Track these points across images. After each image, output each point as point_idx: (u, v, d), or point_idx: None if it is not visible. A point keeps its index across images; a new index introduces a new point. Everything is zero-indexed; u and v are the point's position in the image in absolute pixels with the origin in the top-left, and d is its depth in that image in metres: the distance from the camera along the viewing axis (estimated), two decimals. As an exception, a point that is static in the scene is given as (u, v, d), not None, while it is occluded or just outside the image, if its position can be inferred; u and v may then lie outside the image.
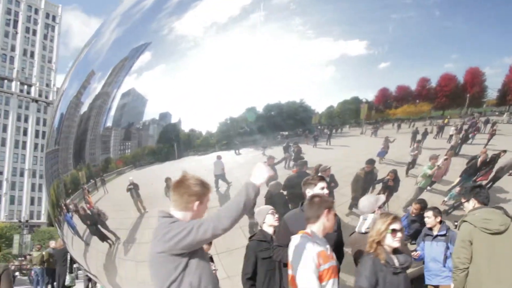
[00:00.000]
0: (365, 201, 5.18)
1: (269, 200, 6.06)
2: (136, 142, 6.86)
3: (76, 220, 7.67)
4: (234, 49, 6.78)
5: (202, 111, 6.50)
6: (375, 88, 6.82)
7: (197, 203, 3.28)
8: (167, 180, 6.23)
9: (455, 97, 7.52)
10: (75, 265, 16.25)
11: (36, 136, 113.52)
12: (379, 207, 5.17)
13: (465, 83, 7.47)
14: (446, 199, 7.13)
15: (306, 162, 6.41)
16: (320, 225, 4.06)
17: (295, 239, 4.03)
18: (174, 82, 6.75)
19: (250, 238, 5.53)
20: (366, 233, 4.71)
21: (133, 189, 6.64)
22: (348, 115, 6.77)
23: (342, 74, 6.80)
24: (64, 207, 7.91)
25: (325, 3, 7.19)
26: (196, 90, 6.63)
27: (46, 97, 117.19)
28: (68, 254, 14.54)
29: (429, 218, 6.58)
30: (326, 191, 4.78)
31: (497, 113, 7.73)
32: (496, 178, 7.45)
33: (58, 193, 8.04)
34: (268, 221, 5.45)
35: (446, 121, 7.22)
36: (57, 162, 7.98)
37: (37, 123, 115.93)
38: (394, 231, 4.16)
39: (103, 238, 7.23)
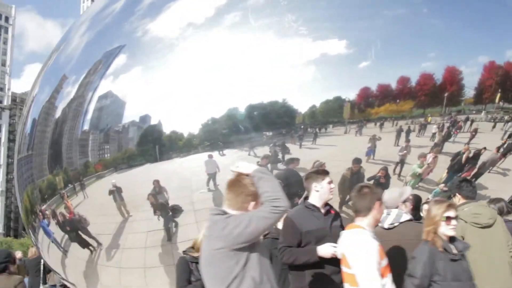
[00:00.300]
0: (388, 195, 4.84)
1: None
2: (116, 145, 6.73)
3: (53, 227, 7.46)
4: (212, 50, 6.68)
5: (183, 112, 6.40)
6: (356, 87, 6.81)
7: (252, 203, 3.24)
8: (155, 182, 6.19)
9: (434, 95, 7.57)
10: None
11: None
12: (404, 201, 5.00)
13: (444, 81, 7.51)
14: (430, 196, 7.14)
15: (298, 159, 6.36)
16: (371, 218, 3.88)
17: (350, 235, 3.83)
18: (152, 84, 6.66)
19: (264, 236, 5.31)
20: (389, 228, 4.59)
21: (116, 192, 6.48)
22: (331, 114, 6.76)
23: (322, 73, 6.76)
24: (39, 213, 7.70)
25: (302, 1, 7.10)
26: (176, 91, 6.53)
27: (0, 102, 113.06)
28: (42, 263, 14.10)
29: None
30: (333, 185, 4.68)
31: (474, 112, 7.77)
32: (478, 174, 7.55)
33: (32, 199, 7.84)
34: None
35: (429, 119, 7.23)
36: (31, 168, 7.77)
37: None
38: (448, 218, 4.00)
39: (84, 244, 7.02)
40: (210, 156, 6.30)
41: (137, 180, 6.60)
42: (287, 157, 6.42)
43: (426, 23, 7.44)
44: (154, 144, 6.40)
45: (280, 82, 6.63)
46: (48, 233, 7.63)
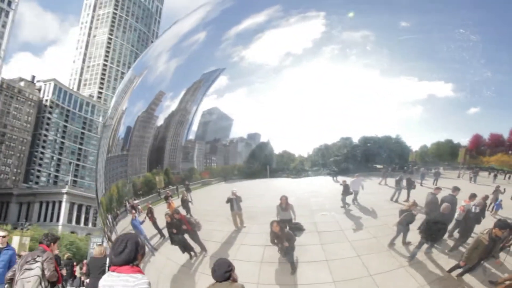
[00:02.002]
0: None
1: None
2: (223, 158, 7.08)
3: (148, 225, 7.77)
4: (319, 79, 6.94)
5: (294, 134, 6.62)
6: (468, 133, 6.68)
7: None
8: (283, 198, 6.31)
9: None
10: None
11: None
12: None
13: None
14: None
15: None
16: None
17: None
18: (260, 105, 7.05)
19: None
20: None
21: (235, 200, 6.64)
22: (443, 157, 6.68)
23: (431, 114, 6.76)
24: (130, 208, 8.17)
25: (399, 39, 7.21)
26: (286, 114, 6.79)
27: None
28: (107, 265, 13.89)
29: None
30: None
31: None
32: None
33: (123, 191, 8.43)
34: None
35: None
36: (125, 165, 8.37)
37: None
38: None
39: (187, 248, 7.17)
40: (358, 176, 6.45)
41: (254, 193, 6.80)
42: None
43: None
44: (265, 162, 6.65)
45: (391, 118, 6.71)
46: (139, 230, 7.89)
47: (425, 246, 6.44)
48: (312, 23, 7.42)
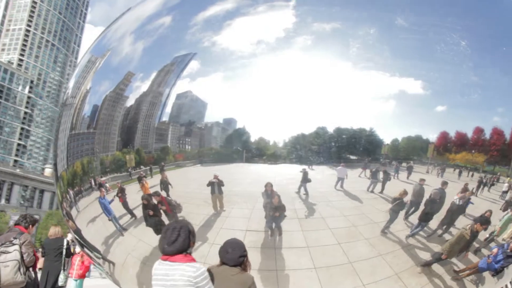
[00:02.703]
0: None
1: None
2: (198, 141, 7.15)
3: (117, 204, 7.75)
4: (294, 69, 7.10)
5: (271, 122, 6.75)
6: (435, 130, 6.99)
7: None
8: (268, 185, 6.43)
9: (504, 154, 7.67)
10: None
11: None
12: None
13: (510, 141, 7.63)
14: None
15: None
16: None
17: None
18: (234, 91, 7.12)
19: None
20: None
21: (217, 184, 6.63)
22: (413, 152, 6.98)
23: (402, 110, 7.00)
24: (96, 184, 8.19)
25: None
26: (263, 102, 6.89)
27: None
28: (65, 246, 13.42)
29: None
30: None
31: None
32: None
33: (88, 168, 8.46)
34: None
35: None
36: (92, 143, 8.40)
37: None
38: None
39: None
40: (343, 165, 6.70)
41: (231, 177, 6.80)
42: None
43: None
44: (241, 147, 6.75)
45: (365, 111, 6.89)
46: (108, 209, 7.84)
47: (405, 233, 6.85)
48: (282, 13, 7.56)
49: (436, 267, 7.07)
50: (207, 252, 6.69)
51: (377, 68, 7.10)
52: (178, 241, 4.51)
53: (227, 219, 6.65)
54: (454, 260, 7.15)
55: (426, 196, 6.81)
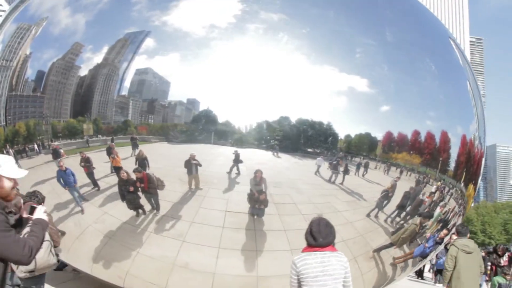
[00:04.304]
0: None
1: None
2: (161, 117, 7.20)
3: (80, 175, 7.64)
4: (251, 56, 7.28)
5: (236, 107, 6.94)
6: (382, 129, 7.56)
7: None
8: (258, 172, 6.73)
9: (434, 157, 8.41)
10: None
11: None
12: None
13: (440, 145, 8.40)
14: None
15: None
16: None
17: None
18: (194, 72, 7.16)
19: None
20: None
21: (195, 165, 6.71)
22: (363, 148, 7.51)
23: (353, 106, 7.48)
24: (42, 146, 8.20)
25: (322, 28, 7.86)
26: (226, 86, 7.03)
27: None
28: None
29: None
30: None
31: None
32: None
33: (35, 130, 8.33)
34: None
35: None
36: (40, 107, 8.31)
37: None
38: None
39: (136, 206, 7.07)
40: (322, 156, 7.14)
41: (201, 157, 6.83)
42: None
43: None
44: (209, 128, 6.88)
45: (321, 104, 7.25)
46: (68, 182, 7.71)
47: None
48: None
49: (383, 253, 7.87)
50: (186, 231, 6.85)
51: (328, 63, 7.48)
52: (332, 235, 4.84)
53: (204, 198, 6.79)
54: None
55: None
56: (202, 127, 6.88)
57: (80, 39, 8.08)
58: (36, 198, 6.30)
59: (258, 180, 6.70)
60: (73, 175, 7.60)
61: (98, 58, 7.65)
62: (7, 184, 3.73)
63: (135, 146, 7.08)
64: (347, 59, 7.67)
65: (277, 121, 6.86)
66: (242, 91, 6.91)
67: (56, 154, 7.83)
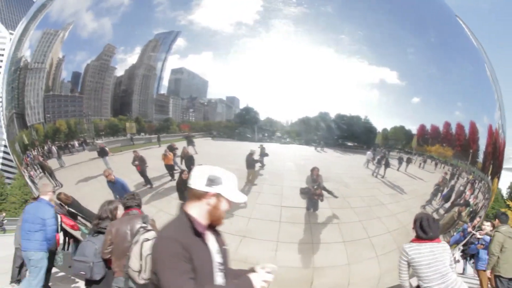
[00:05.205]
0: None
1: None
2: (202, 114, 7.33)
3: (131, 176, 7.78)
4: (281, 54, 7.33)
5: (276, 104, 7.03)
6: (415, 121, 7.63)
7: None
8: (315, 169, 6.90)
9: (464, 149, 8.43)
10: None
11: None
12: None
13: (469, 137, 8.40)
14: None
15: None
16: None
17: None
18: (230, 70, 7.27)
19: None
20: None
21: (259, 161, 6.94)
22: (399, 142, 7.57)
23: (388, 99, 7.60)
24: (85, 144, 8.38)
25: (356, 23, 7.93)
26: (261, 83, 7.14)
27: None
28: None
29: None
30: None
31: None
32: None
33: (77, 128, 8.57)
34: None
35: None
36: (79, 106, 8.53)
37: None
38: None
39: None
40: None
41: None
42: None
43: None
44: (252, 125, 7.01)
45: (356, 99, 7.34)
46: (124, 186, 7.86)
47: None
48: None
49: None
50: (245, 226, 7.01)
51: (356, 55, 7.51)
52: (439, 229, 5.65)
53: (260, 194, 6.95)
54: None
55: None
56: (244, 124, 7.04)
57: (110, 41, 8.29)
58: (135, 201, 6.19)
59: (315, 177, 6.90)
60: (123, 187, 7.70)
61: (131, 59, 7.82)
62: (224, 207, 2.89)
63: (190, 143, 7.27)
64: (378, 52, 7.73)
65: (317, 116, 6.96)
66: (280, 88, 7.00)
67: (102, 153, 8.07)
